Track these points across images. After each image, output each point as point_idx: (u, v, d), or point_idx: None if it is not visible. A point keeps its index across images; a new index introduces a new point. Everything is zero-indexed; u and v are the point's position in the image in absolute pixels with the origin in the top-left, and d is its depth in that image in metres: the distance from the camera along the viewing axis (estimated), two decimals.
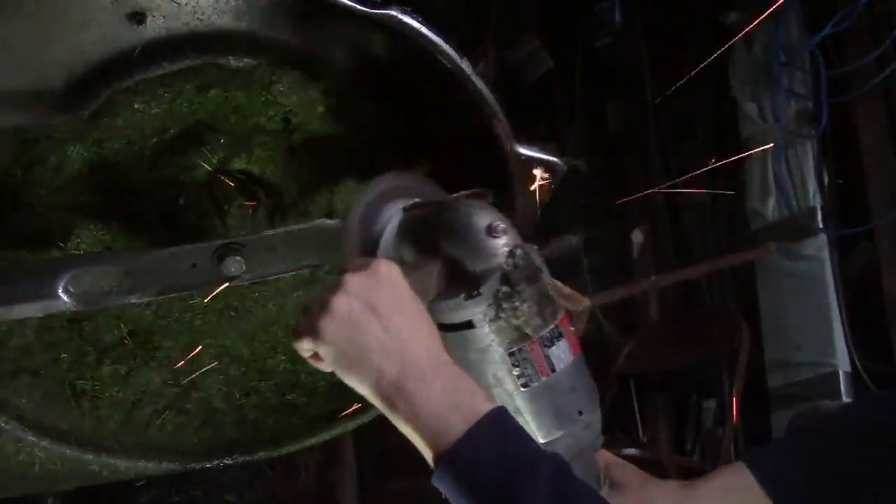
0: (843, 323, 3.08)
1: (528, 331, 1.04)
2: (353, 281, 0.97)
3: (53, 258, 1.48)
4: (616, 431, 3.38)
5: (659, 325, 3.66)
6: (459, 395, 0.93)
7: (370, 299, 0.96)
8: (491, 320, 1.03)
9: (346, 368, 0.96)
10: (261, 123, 1.54)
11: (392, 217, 1.16)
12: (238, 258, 1.40)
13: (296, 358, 1.77)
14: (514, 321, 1.03)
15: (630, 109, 4.07)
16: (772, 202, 3.31)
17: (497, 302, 1.02)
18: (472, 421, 0.91)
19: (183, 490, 2.98)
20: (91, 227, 1.54)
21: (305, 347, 1.00)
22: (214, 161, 1.54)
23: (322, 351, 0.98)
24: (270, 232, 1.45)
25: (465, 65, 1.35)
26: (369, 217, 1.16)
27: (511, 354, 1.04)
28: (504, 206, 1.57)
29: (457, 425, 0.91)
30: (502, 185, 1.55)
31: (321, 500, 3.79)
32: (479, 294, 1.02)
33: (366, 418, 1.80)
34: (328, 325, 0.96)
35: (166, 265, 1.40)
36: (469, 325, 1.04)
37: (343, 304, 0.96)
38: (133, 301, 1.41)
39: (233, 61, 1.46)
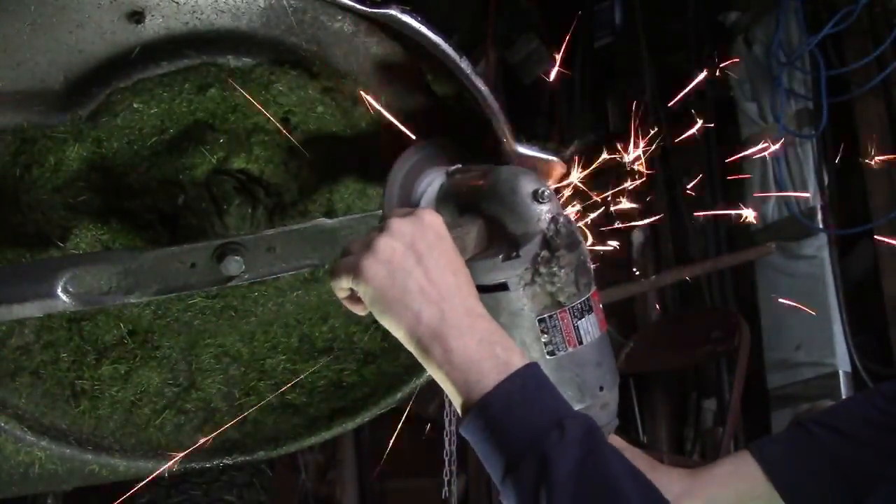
0: (843, 323, 3.07)
1: (561, 298, 1.04)
2: (399, 225, 0.98)
3: (53, 258, 1.48)
4: (616, 431, 3.37)
5: (659, 325, 3.65)
6: (495, 347, 0.94)
7: (414, 244, 0.97)
8: (526, 284, 1.03)
9: (385, 309, 0.97)
10: (260, 123, 1.54)
11: (434, 180, 1.17)
12: (237, 258, 1.40)
13: (296, 358, 1.78)
14: (549, 287, 1.03)
15: (630, 109, 4.06)
16: (772, 202, 3.31)
17: (535, 266, 1.02)
18: (506, 373, 0.91)
19: (183, 490, 2.97)
20: (90, 226, 1.54)
21: (343, 286, 1.00)
22: (214, 161, 1.54)
23: (361, 289, 0.98)
24: (270, 231, 1.45)
25: (464, 64, 1.35)
26: (408, 182, 1.18)
27: (541, 321, 1.04)
28: None
29: (490, 375, 0.91)
30: None
31: (321, 500, 3.79)
32: (517, 256, 1.02)
33: (366, 418, 1.80)
34: (371, 265, 0.96)
35: (165, 265, 1.40)
36: (504, 286, 1.04)
37: (388, 245, 0.97)
38: (132, 301, 1.41)
39: (232, 61, 1.46)
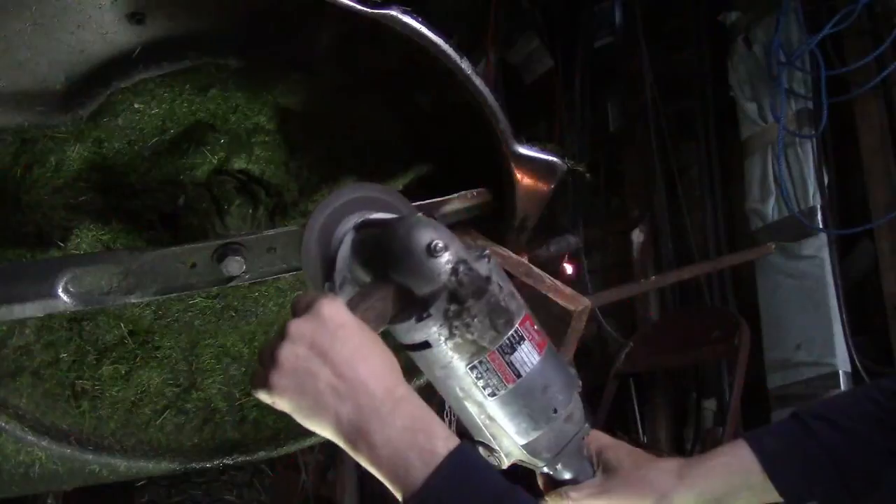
0: (843, 323, 3.08)
1: (484, 344, 1.03)
2: (296, 327, 0.95)
3: (53, 258, 1.48)
4: (616, 431, 3.38)
5: (659, 325, 3.66)
6: (417, 435, 0.92)
7: (314, 342, 0.94)
8: (446, 338, 1.02)
9: (305, 416, 0.95)
10: (261, 123, 1.54)
11: (345, 236, 1.14)
12: (238, 258, 1.40)
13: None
14: (468, 336, 1.02)
15: (630, 109, 4.07)
16: (772, 202, 3.31)
17: (448, 321, 1.01)
18: (433, 464, 0.90)
19: (183, 490, 2.98)
20: (91, 226, 1.54)
21: (264, 398, 0.98)
22: (214, 161, 1.54)
23: (278, 403, 0.96)
24: (270, 232, 1.45)
25: (464, 64, 1.35)
26: (326, 235, 1.14)
27: (473, 368, 1.03)
28: (505, 205, 1.57)
29: (417, 469, 0.90)
30: (503, 185, 1.55)
31: (321, 500, 3.79)
32: (429, 315, 1.01)
33: None
34: (277, 378, 0.94)
35: (166, 265, 1.40)
36: (426, 345, 1.03)
37: (288, 352, 0.94)
38: (133, 301, 1.41)
39: (232, 61, 1.46)
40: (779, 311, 3.27)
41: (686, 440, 3.50)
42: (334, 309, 0.97)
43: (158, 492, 2.92)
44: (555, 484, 1.20)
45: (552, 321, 1.44)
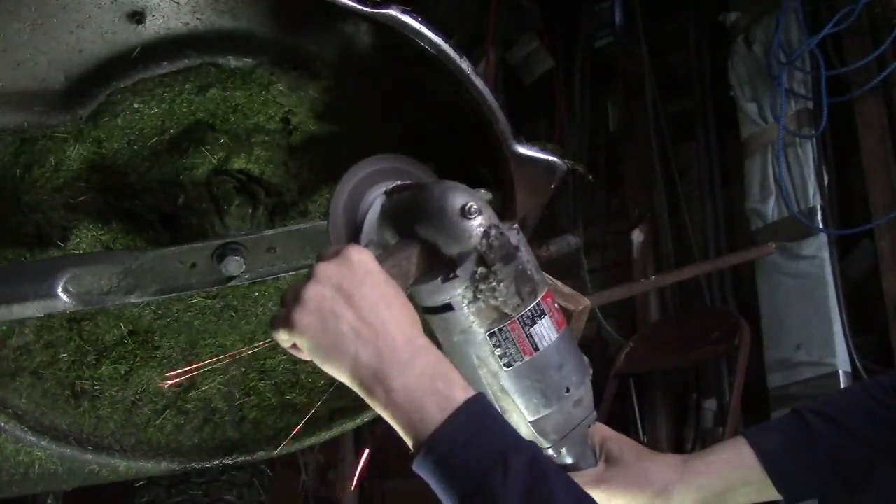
0: (843, 323, 3.07)
1: (507, 311, 1.03)
2: (324, 269, 0.96)
3: (53, 258, 1.48)
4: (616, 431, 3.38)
5: (659, 325, 3.66)
6: (436, 382, 0.93)
7: (342, 286, 0.95)
8: (470, 302, 1.02)
9: (323, 357, 0.95)
10: (260, 123, 1.54)
11: (375, 200, 1.15)
12: (237, 258, 1.40)
13: (296, 358, 1.78)
14: (492, 302, 1.02)
15: (630, 109, 4.07)
16: (772, 202, 3.31)
17: (474, 283, 1.02)
18: (449, 410, 0.90)
19: (182, 490, 2.97)
20: (90, 226, 1.54)
21: (283, 339, 0.99)
22: (214, 161, 1.54)
23: (298, 341, 0.97)
24: (270, 231, 1.45)
25: (465, 65, 1.35)
26: (353, 201, 1.15)
27: (492, 335, 1.04)
28: (505, 206, 1.57)
29: (433, 414, 0.90)
30: (503, 186, 1.55)
31: (321, 500, 3.79)
32: (455, 276, 1.01)
33: (366, 418, 1.80)
34: (301, 315, 0.95)
35: (166, 265, 1.40)
36: (449, 307, 1.03)
37: (314, 292, 0.95)
38: (132, 301, 1.41)
39: (232, 61, 1.46)
40: (779, 311, 3.26)
41: (686, 440, 3.49)
42: (363, 256, 0.98)
43: (158, 492, 2.92)
44: None
45: None
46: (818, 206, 3.19)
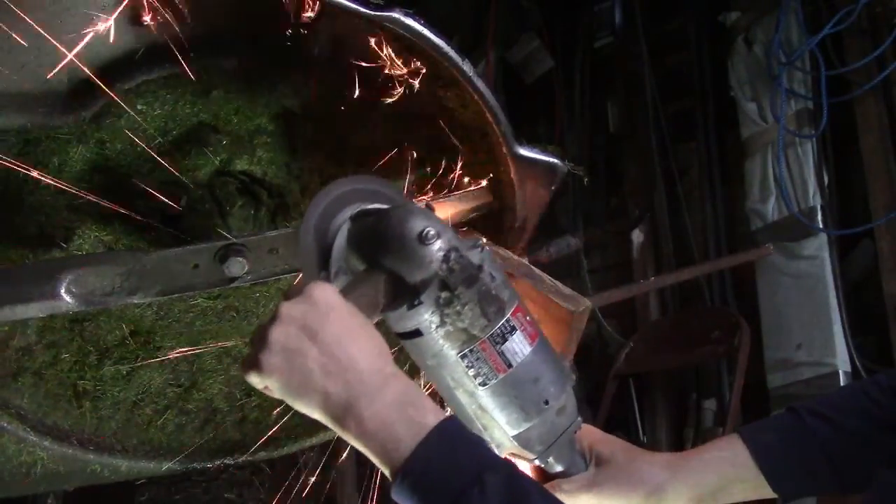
0: (843, 323, 3.08)
1: (475, 332, 1.04)
2: (287, 309, 0.96)
3: (56, 259, 1.48)
4: (616, 431, 3.38)
5: (659, 325, 3.66)
6: (406, 409, 0.93)
7: (306, 324, 0.95)
8: (437, 326, 1.03)
9: (294, 395, 0.96)
10: (262, 125, 1.55)
11: (342, 226, 1.15)
12: (240, 259, 1.40)
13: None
14: (459, 325, 1.03)
15: (630, 109, 4.07)
16: (772, 202, 3.31)
17: (439, 308, 1.02)
18: (421, 434, 0.91)
19: (183, 488, 2.98)
20: (93, 227, 1.54)
21: (255, 381, 0.99)
22: (217, 162, 1.54)
23: (268, 383, 0.97)
24: (272, 233, 1.45)
25: (465, 66, 1.35)
26: (323, 225, 1.14)
27: (464, 356, 1.04)
28: (505, 206, 1.58)
29: (406, 440, 0.91)
30: (503, 186, 1.55)
31: (321, 500, 3.79)
32: (420, 303, 1.02)
33: None
34: (267, 357, 0.95)
35: (168, 266, 1.40)
36: (418, 332, 1.04)
37: (279, 333, 0.95)
38: (135, 301, 1.41)
39: (234, 63, 1.46)
40: (779, 311, 3.27)
41: (686, 440, 3.50)
42: (325, 292, 0.98)
43: (159, 490, 2.93)
44: (547, 477, 1.20)
45: (553, 322, 1.44)
46: (818, 206, 3.19)
